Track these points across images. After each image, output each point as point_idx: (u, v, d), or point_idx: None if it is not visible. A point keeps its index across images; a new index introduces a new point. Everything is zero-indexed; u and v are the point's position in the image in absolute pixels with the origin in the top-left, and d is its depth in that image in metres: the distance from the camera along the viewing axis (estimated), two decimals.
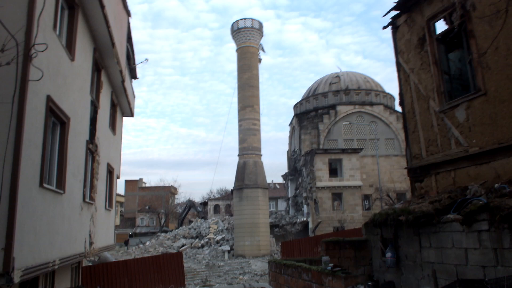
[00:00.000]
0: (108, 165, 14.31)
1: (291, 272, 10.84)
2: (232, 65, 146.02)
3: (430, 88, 9.34)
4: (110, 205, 15.07)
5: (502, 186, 6.95)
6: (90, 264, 20.87)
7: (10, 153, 5.90)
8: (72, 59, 8.89)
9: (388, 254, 8.67)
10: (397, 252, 8.60)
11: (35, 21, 6.33)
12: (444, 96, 9.06)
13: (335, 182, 39.12)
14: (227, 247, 36.05)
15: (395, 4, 9.99)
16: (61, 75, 8.20)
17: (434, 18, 9.30)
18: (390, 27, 10.70)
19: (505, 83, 7.54)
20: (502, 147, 7.53)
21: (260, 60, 40.56)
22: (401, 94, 10.48)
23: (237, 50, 40.26)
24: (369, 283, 8.97)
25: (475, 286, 6.17)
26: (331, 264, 8.92)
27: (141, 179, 74.90)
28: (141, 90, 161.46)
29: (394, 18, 10.49)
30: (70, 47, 8.85)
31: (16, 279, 5.85)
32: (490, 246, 6.30)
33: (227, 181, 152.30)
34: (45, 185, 7.22)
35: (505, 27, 7.21)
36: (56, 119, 8.17)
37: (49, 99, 7.33)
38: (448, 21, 8.88)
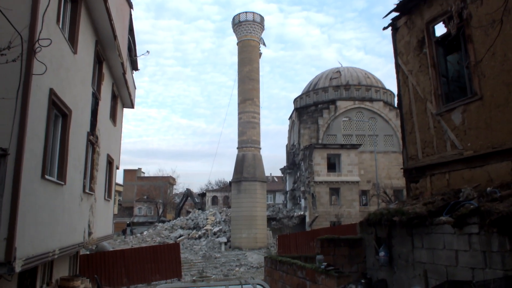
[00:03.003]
0: (108, 156, 14.45)
1: (286, 268, 11.02)
2: (233, 58, 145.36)
3: (428, 91, 9.45)
4: (109, 195, 15.24)
5: (493, 190, 7.09)
6: (88, 252, 21.12)
7: (14, 145, 6.02)
8: (75, 52, 8.98)
9: (382, 253, 8.85)
10: (390, 251, 8.77)
11: (39, 17, 6.41)
12: (441, 99, 9.18)
13: (333, 177, 39.34)
14: (224, 239, 36.31)
15: (395, 6, 10.05)
16: (64, 68, 8.29)
17: (434, 21, 9.38)
18: (390, 28, 10.77)
19: (500, 88, 7.66)
20: (496, 151, 7.67)
21: (260, 54, 40.45)
22: (399, 95, 10.58)
23: (238, 43, 40.15)
24: (362, 281, 9.15)
25: (464, 287, 6.35)
26: (325, 263, 9.10)
27: (139, 169, 75.07)
28: (142, 81, 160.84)
29: (394, 19, 10.55)
30: (72, 40, 8.93)
31: (18, 268, 6.01)
32: (479, 249, 6.46)
33: (226, 172, 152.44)
34: (46, 176, 7.36)
35: (501, 35, 7.30)
36: (58, 111, 8.29)
37: (51, 92, 7.44)
38: (447, 24, 8.95)
